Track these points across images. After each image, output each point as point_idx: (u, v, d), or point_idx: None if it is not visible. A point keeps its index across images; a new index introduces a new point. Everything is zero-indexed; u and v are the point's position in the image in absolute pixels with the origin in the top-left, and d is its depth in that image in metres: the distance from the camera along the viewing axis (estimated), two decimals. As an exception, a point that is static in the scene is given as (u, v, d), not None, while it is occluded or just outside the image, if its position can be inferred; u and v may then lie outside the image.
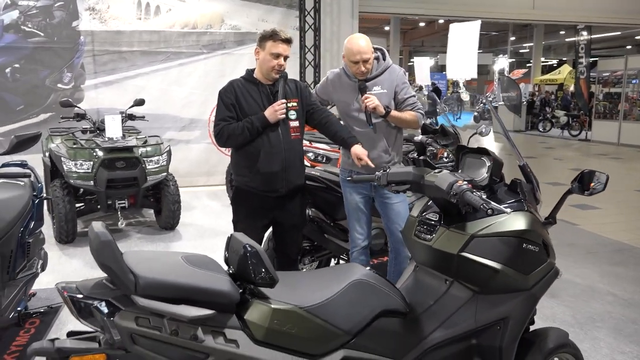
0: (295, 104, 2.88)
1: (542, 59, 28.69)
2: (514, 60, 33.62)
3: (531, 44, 26.25)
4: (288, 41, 2.78)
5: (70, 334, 1.53)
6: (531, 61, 26.80)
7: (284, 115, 2.77)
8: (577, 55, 16.80)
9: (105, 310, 1.44)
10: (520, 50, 33.32)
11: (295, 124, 2.88)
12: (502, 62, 30.92)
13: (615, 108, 13.92)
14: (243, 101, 2.79)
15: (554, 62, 33.61)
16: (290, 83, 2.93)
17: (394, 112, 2.94)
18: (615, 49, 27.19)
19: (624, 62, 13.78)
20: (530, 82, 24.94)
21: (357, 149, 2.86)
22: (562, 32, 26.58)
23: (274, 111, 2.73)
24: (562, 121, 16.94)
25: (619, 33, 22.96)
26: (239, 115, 2.79)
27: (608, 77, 14.37)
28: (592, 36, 16.65)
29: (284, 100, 2.77)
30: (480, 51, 34.14)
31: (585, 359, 2.86)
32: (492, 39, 33.96)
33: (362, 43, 2.89)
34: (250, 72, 2.90)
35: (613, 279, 4.18)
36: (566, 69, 23.96)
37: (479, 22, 8.10)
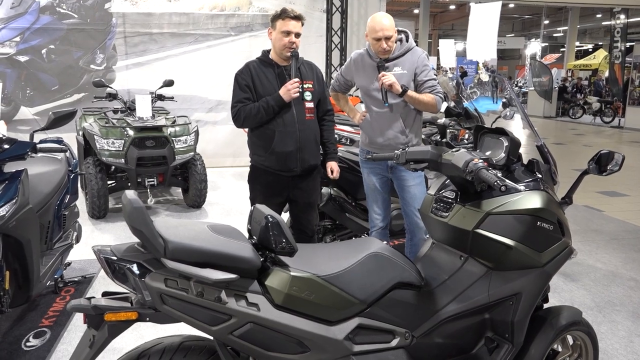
0: (310, 85, 2.95)
1: (577, 44, 27.85)
2: (547, 44, 32.75)
3: (565, 28, 25.50)
4: (298, 18, 2.83)
5: (105, 294, 1.65)
6: (565, 45, 26.06)
7: (297, 94, 2.83)
8: (612, 40, 16.26)
9: (137, 272, 1.55)
10: (554, 35, 32.40)
11: (311, 105, 2.94)
12: (534, 47, 30.16)
13: (651, 94, 13.50)
14: (258, 82, 2.87)
15: (590, 46, 32.58)
16: (306, 65, 2.99)
17: (410, 92, 2.95)
18: (654, 33, 26.18)
19: (661, 46, 13.30)
20: (563, 67, 24.30)
21: (333, 165, 3.10)
22: (598, 16, 25.74)
23: (287, 90, 2.79)
24: (594, 107, 16.51)
25: (658, 16, 22.10)
26: (254, 96, 2.87)
27: (645, 62, 13.92)
28: (629, 20, 16.08)
29: (296, 79, 2.82)
30: (512, 35, 33.45)
31: (602, 341, 2.90)
32: (525, 23, 33.10)
33: (384, 21, 2.92)
34: (266, 53, 2.96)
35: (636, 265, 4.15)
36: (601, 53, 23.25)
37: (499, 3, 7.99)
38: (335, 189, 3.76)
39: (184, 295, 1.53)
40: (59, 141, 3.66)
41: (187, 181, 5.65)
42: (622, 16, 15.82)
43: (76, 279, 3.66)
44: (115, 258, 1.56)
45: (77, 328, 3.00)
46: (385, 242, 1.98)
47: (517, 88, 24.10)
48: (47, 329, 2.98)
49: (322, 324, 1.71)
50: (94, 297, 1.59)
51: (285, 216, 3.23)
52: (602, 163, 2.08)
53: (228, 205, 5.88)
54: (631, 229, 5.18)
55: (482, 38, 8.06)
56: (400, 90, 2.90)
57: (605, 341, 2.95)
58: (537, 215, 1.94)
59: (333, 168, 3.10)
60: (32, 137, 3.09)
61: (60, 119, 3.00)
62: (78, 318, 3.07)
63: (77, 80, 7.48)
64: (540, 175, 2.06)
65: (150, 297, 1.53)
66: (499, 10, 7.91)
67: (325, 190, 3.67)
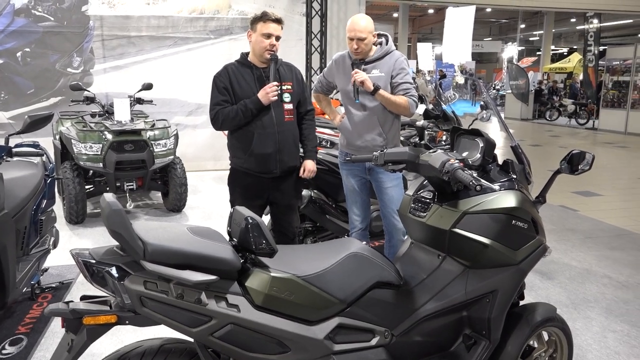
0: (289, 86, 2.96)
1: (552, 47, 28.44)
2: (523, 48, 33.35)
3: (541, 32, 26.01)
4: (278, 21, 2.84)
5: (84, 298, 1.63)
6: (541, 49, 26.58)
7: (276, 97, 2.84)
8: (586, 44, 16.65)
9: (116, 274, 1.54)
10: (530, 38, 33.04)
11: (290, 106, 2.96)
12: (511, 50, 30.69)
13: (624, 97, 13.86)
14: (236, 84, 2.87)
15: (565, 50, 33.29)
16: (285, 66, 3.00)
17: (382, 92, 2.95)
18: (626, 37, 26.87)
19: (633, 50, 13.67)
20: (539, 70, 24.78)
21: (308, 164, 3.07)
22: (572, 20, 26.31)
23: (266, 93, 2.80)
24: (569, 110, 16.87)
25: (630, 21, 22.71)
26: (233, 98, 2.87)
27: (617, 65, 14.28)
28: (602, 24, 16.48)
29: (275, 83, 2.83)
30: (489, 39, 34.01)
31: (577, 337, 2.98)
32: (502, 27, 33.65)
33: (361, 22, 2.95)
34: (244, 55, 2.97)
35: (610, 263, 4.26)
36: (576, 57, 23.77)
37: (473, 7, 8.18)
38: (315, 191, 3.78)
39: (163, 298, 1.53)
40: (35, 145, 3.60)
41: (167, 185, 5.61)
42: (595, 20, 16.21)
43: (54, 285, 3.61)
44: (93, 261, 1.55)
45: (54, 334, 2.96)
46: (364, 243, 2.01)
47: (494, 91, 24.49)
48: (24, 336, 2.93)
49: (303, 324, 1.72)
50: (72, 301, 1.58)
51: (266, 219, 3.24)
52: (573, 163, 2.14)
53: (209, 208, 5.85)
54: (605, 227, 5.30)
55: (458, 41, 8.22)
56: (372, 87, 2.92)
57: (580, 337, 3.02)
58: (512, 214, 1.99)
59: (307, 166, 3.07)
60: (7, 141, 3.04)
61: (36, 123, 2.96)
62: (55, 324, 3.03)
63: (54, 84, 7.38)
64: (514, 176, 2.11)
65: (129, 300, 1.53)
66: (474, 14, 8.10)
67: (305, 192, 3.69)
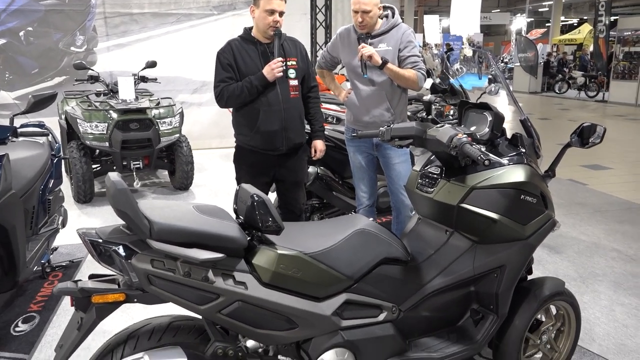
0: (294, 62, 2.91)
1: (562, 18, 27.85)
2: (532, 19, 32.71)
3: (551, 2, 25.44)
4: None
5: (92, 277, 1.64)
6: (550, 20, 26.05)
7: (281, 74, 2.80)
8: (596, 14, 16.27)
9: (123, 253, 1.54)
10: (540, 9, 32.32)
11: (295, 82, 2.92)
12: (519, 22, 30.11)
13: (635, 68, 13.60)
14: (240, 61, 2.82)
15: (575, 21, 32.61)
16: (289, 42, 2.95)
17: (390, 65, 2.91)
18: (638, 6, 26.23)
19: (645, 20, 13.36)
20: (548, 42, 24.33)
21: (318, 144, 3.09)
22: (583, -10, 25.69)
23: (271, 69, 2.76)
24: (579, 82, 16.61)
25: (642, -11, 22.14)
26: (237, 75, 2.83)
27: (629, 36, 13.98)
28: (614, -7, 16.10)
29: (280, 58, 2.79)
30: (498, 10, 33.37)
31: (585, 310, 2.98)
32: (510, -2, 32.93)
33: None
34: (247, 30, 2.91)
35: (619, 237, 4.24)
36: (586, 28, 23.31)
37: (483, -22, 7.97)
38: (322, 167, 3.76)
39: (171, 276, 1.54)
40: (41, 125, 3.60)
41: (173, 163, 5.61)
42: (607, -11, 15.81)
43: (64, 264, 3.65)
44: (100, 240, 1.55)
45: (65, 312, 3.00)
46: (371, 219, 1.99)
47: (502, 64, 24.13)
48: (36, 314, 2.98)
49: (310, 301, 1.73)
50: (80, 280, 1.59)
51: (272, 196, 3.23)
52: (584, 136, 2.11)
53: (215, 186, 5.86)
54: (614, 201, 5.26)
55: (465, 13, 8.06)
56: (380, 62, 2.87)
57: (588, 310, 3.02)
58: (521, 188, 1.97)
59: (317, 147, 3.09)
60: (12, 121, 3.04)
61: (40, 102, 2.94)
62: (67, 302, 3.07)
63: (58, 63, 7.33)
64: (523, 150, 2.08)
65: (137, 278, 1.54)
66: (482, -16, 7.89)
67: (312, 169, 3.68)
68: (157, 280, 1.54)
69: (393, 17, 3.03)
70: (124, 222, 1.58)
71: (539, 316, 2.25)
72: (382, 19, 3.02)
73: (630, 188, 5.79)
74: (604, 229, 4.41)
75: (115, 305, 1.57)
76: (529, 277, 2.28)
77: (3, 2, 6.91)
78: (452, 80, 4.40)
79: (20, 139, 3.00)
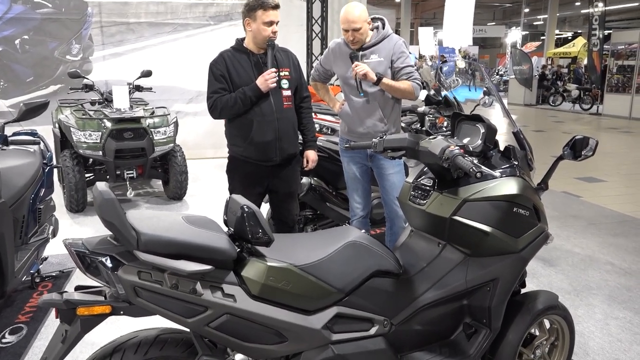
0: (287, 73, 2.91)
1: (557, 32, 28.13)
2: (527, 32, 33.03)
3: (545, 16, 25.72)
4: (277, 7, 2.79)
5: (78, 288, 1.62)
6: (545, 34, 26.30)
7: (275, 84, 2.79)
8: (590, 27, 16.44)
9: (110, 265, 1.52)
10: (534, 23, 32.68)
11: (288, 93, 2.91)
12: (514, 35, 30.38)
13: (629, 81, 13.72)
14: (233, 71, 2.82)
15: (569, 34, 32.94)
16: (282, 52, 2.95)
17: (386, 80, 2.91)
18: (631, 20, 26.54)
19: (638, 34, 13.50)
20: (543, 55, 24.54)
21: (310, 154, 3.09)
22: (577, 4, 25.99)
23: (265, 80, 2.75)
24: (573, 95, 16.72)
25: (635, 4, 22.41)
26: (230, 86, 2.82)
27: (622, 49, 14.11)
28: (607, 8, 16.27)
29: (274, 69, 2.79)
30: (493, 23, 33.67)
31: (579, 324, 2.96)
32: (505, 11, 33.30)
33: (355, 11, 2.89)
34: (240, 41, 2.91)
35: (613, 249, 4.23)
36: (580, 41, 23.51)
37: (474, -9, 8.05)
38: (315, 178, 3.75)
39: (158, 288, 1.51)
40: (33, 133, 3.58)
41: (167, 173, 5.58)
42: (600, 4, 15.98)
43: (53, 274, 3.61)
44: (87, 251, 1.53)
45: (54, 323, 2.96)
46: (364, 231, 1.98)
47: (498, 76, 24.29)
48: (24, 325, 2.93)
49: (300, 314, 1.70)
50: (66, 292, 1.56)
51: (265, 207, 3.21)
52: (576, 148, 2.10)
53: (209, 196, 5.83)
54: (608, 214, 5.27)
55: (458, 25, 8.11)
56: (375, 78, 2.88)
57: (582, 324, 3.00)
58: (513, 201, 1.96)
59: (309, 157, 3.09)
60: (2, 129, 3.01)
61: (31, 111, 2.93)
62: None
63: (53, 72, 7.32)
64: (516, 162, 2.07)
65: (123, 290, 1.51)
66: (474, -3, 7.97)
67: (305, 180, 3.66)
68: (144, 293, 1.51)
69: (383, 28, 3.04)
70: (111, 233, 1.56)
71: (532, 330, 2.23)
72: (372, 30, 3.03)
73: (624, 201, 5.80)
74: (598, 242, 4.41)
75: (101, 317, 1.54)
76: (523, 291, 2.26)
77: (-1, 10, 6.92)
78: (446, 92, 4.42)
79: (11, 147, 2.98)
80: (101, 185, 1.53)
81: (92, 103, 5.42)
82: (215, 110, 2.84)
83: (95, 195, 1.51)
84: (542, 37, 29.31)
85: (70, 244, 1.54)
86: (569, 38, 30.93)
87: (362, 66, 2.87)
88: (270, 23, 2.75)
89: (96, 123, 5.03)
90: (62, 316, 1.54)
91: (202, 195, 5.89)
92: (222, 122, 3.07)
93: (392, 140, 2.13)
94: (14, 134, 3.42)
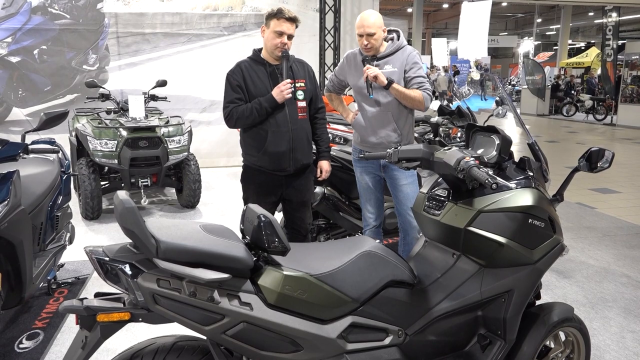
0: (302, 84, 2.94)
1: (570, 42, 27.99)
2: (540, 42, 32.91)
3: (558, 26, 25.63)
4: (292, 20, 2.82)
5: (98, 295, 1.64)
6: (558, 44, 26.19)
7: (290, 95, 2.82)
8: (604, 38, 16.35)
9: (129, 272, 1.54)
10: (547, 33, 32.56)
11: (303, 104, 2.94)
12: (527, 45, 30.29)
13: (643, 92, 13.61)
14: (250, 81, 2.85)
15: (582, 44, 32.77)
16: (297, 63, 2.99)
17: (396, 85, 2.93)
18: (646, 30, 26.35)
19: (653, 44, 13.40)
20: (556, 65, 24.42)
21: (324, 164, 3.11)
22: (590, 14, 25.88)
23: (280, 91, 2.79)
24: (587, 105, 16.61)
25: (650, 14, 22.25)
26: (246, 96, 2.85)
27: (637, 59, 14.01)
28: (621, 18, 16.18)
29: (289, 80, 2.82)
30: (505, 33, 33.61)
31: (594, 337, 2.93)
32: (518, 21, 33.25)
33: (370, 18, 2.93)
34: (257, 52, 2.95)
35: (628, 262, 4.18)
36: (594, 51, 23.38)
37: (489, 1, 8.07)
38: (328, 188, 3.77)
39: (176, 295, 1.53)
40: (51, 142, 3.64)
41: (181, 181, 5.64)
42: (614, 14, 15.91)
43: (69, 281, 3.65)
44: (107, 259, 1.55)
45: (70, 329, 2.99)
46: (378, 241, 1.98)
47: (510, 86, 24.23)
48: (41, 331, 2.97)
49: (315, 323, 1.71)
50: (86, 298, 1.58)
51: (279, 216, 3.23)
52: (592, 160, 2.10)
53: (222, 205, 5.87)
54: (623, 225, 5.21)
55: (473, 36, 8.13)
56: (385, 82, 2.89)
57: (598, 337, 2.97)
58: (529, 212, 1.95)
59: (323, 167, 3.11)
60: (23, 138, 3.07)
61: (51, 120, 2.98)
62: (71, 319, 3.06)
63: (70, 81, 7.45)
64: (531, 173, 2.07)
65: (142, 297, 1.53)
66: (490, 8, 8.01)
67: (318, 189, 3.68)
68: (163, 300, 1.53)
69: (398, 39, 3.07)
70: (130, 241, 1.59)
71: (547, 342, 2.21)
72: (387, 41, 3.05)
73: (640, 212, 5.74)
74: (614, 254, 4.36)
75: (120, 324, 1.57)
76: (538, 302, 2.25)
77: (19, 21, 7.06)
78: (459, 102, 4.42)
79: (31, 155, 3.04)
80: (122, 194, 1.56)
81: (108, 112, 5.50)
82: (231, 120, 2.87)
83: (116, 204, 1.54)
84: (554, 47, 29.18)
85: (91, 251, 1.57)
86: (582, 48, 30.78)
87: (374, 69, 2.90)
88: (281, 34, 2.78)
89: (112, 132, 5.11)
90: (82, 322, 1.56)
91: (215, 203, 5.93)
92: (234, 131, 3.11)
93: (407, 150, 2.14)
94: (33, 142, 3.48)
